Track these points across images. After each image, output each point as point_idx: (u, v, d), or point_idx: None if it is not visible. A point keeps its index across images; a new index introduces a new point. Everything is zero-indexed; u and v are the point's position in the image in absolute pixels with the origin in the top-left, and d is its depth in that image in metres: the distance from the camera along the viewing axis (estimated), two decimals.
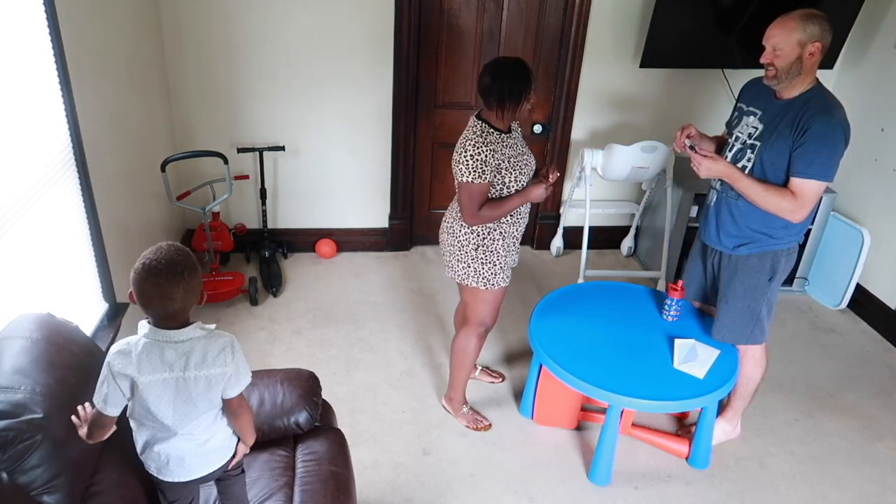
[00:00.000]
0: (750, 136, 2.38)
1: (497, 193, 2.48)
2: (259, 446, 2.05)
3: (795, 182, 2.24)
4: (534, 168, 2.57)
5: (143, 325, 1.55)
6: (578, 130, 4.04)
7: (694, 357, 2.54)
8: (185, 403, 1.58)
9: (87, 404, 1.61)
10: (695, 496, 2.62)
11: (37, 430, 1.45)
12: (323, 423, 2.21)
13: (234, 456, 1.78)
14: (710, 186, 2.55)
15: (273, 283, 3.72)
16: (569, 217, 4.18)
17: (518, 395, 3.05)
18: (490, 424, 2.89)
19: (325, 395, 2.25)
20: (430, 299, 3.74)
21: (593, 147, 3.72)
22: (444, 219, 2.66)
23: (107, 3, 2.74)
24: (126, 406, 1.58)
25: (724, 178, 2.37)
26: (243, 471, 1.88)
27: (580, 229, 3.85)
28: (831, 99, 2.26)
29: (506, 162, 2.43)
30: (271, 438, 2.07)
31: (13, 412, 1.44)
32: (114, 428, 1.62)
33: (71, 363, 1.67)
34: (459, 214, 2.51)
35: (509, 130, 2.50)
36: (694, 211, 3.82)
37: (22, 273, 2.01)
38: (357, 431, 2.79)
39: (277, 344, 3.32)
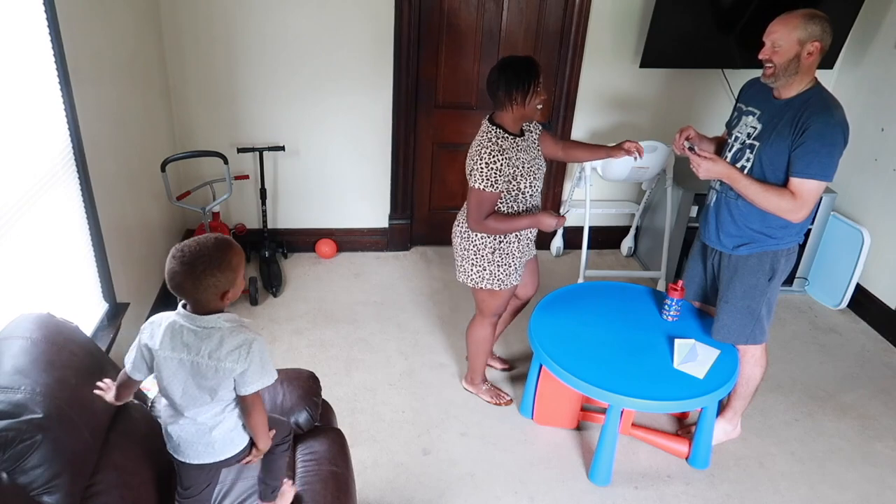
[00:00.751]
0: (749, 135, 2.38)
1: (512, 199, 2.49)
2: None
3: (795, 182, 2.24)
4: (544, 171, 2.60)
5: (180, 305, 1.62)
6: (578, 130, 4.03)
7: (694, 357, 2.55)
8: (194, 387, 1.62)
9: (106, 379, 1.72)
10: (695, 496, 2.62)
11: (37, 430, 1.45)
12: (323, 423, 2.21)
13: (248, 453, 1.77)
14: (710, 187, 2.55)
15: (273, 283, 3.72)
16: (569, 217, 4.18)
17: (518, 395, 3.05)
18: (511, 399, 2.98)
19: (325, 395, 2.25)
20: (429, 299, 3.74)
21: None
22: (456, 222, 2.67)
23: (107, 4, 2.74)
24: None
25: (724, 179, 2.37)
26: (289, 447, 1.90)
27: (580, 229, 3.85)
28: (830, 99, 2.26)
29: (521, 168, 2.45)
30: None
31: (13, 412, 1.44)
32: (136, 389, 1.75)
33: (71, 363, 1.67)
34: None
35: (522, 134, 2.50)
36: (694, 211, 3.82)
37: (22, 273, 2.01)
38: (357, 431, 2.79)
39: (277, 344, 3.32)
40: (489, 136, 2.43)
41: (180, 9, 3.45)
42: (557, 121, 3.97)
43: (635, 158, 2.65)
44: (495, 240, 2.55)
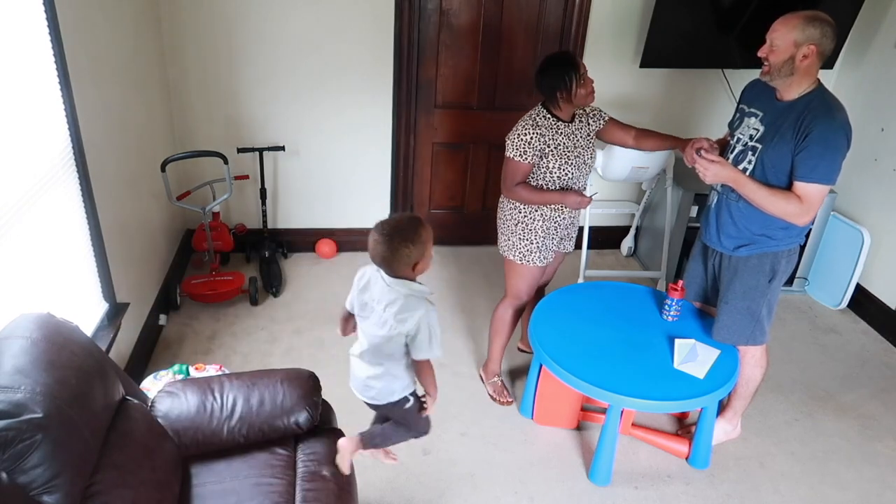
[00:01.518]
0: (751, 137, 2.37)
1: (540, 176, 2.63)
2: (259, 446, 2.06)
3: (800, 186, 2.23)
4: (592, 164, 2.73)
5: None
6: None
7: (694, 357, 2.54)
8: (368, 334, 1.95)
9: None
10: (695, 496, 2.62)
11: (37, 430, 1.45)
12: (323, 423, 2.21)
13: (405, 401, 2.04)
14: (711, 188, 2.55)
15: (273, 283, 3.72)
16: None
17: (518, 395, 3.05)
18: (512, 401, 3.01)
19: (325, 395, 2.25)
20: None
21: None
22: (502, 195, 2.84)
23: (107, 4, 2.74)
24: None
25: (731, 184, 2.35)
26: (422, 407, 2.09)
27: (580, 229, 3.85)
28: (833, 101, 2.25)
29: (553, 148, 2.57)
30: (271, 438, 2.07)
31: (13, 412, 1.44)
32: (353, 323, 2.05)
33: (71, 363, 1.66)
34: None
35: (572, 120, 2.63)
36: (694, 211, 3.82)
37: (22, 273, 2.01)
38: (357, 431, 2.78)
39: (277, 344, 3.32)
40: (532, 113, 2.61)
41: (180, 9, 3.45)
42: None
43: (700, 154, 2.41)
44: (520, 213, 2.71)
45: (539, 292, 3.05)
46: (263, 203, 3.84)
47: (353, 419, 2.87)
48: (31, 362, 1.56)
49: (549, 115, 2.58)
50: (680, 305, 2.75)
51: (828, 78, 3.86)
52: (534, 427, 2.90)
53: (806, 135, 2.18)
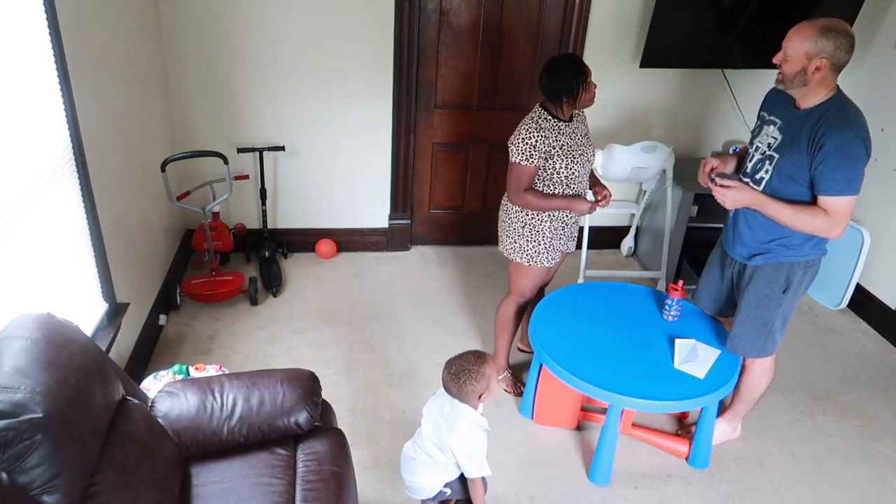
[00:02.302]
0: (769, 146, 2.31)
1: (548, 177, 2.63)
2: (259, 446, 2.06)
3: (825, 200, 2.17)
4: (593, 162, 2.74)
5: None
6: None
7: (694, 357, 2.54)
8: (424, 435, 2.18)
9: None
10: (695, 496, 2.62)
11: (37, 430, 1.45)
12: (323, 423, 2.21)
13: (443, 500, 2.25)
14: None
15: (273, 283, 3.72)
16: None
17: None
18: (522, 392, 3.00)
19: (325, 395, 2.25)
20: (430, 299, 3.74)
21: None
22: (504, 197, 2.82)
23: (107, 4, 2.74)
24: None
25: (753, 206, 2.30)
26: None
27: (580, 229, 3.85)
28: (851, 108, 2.18)
29: (558, 149, 2.57)
30: (271, 438, 2.07)
31: (13, 412, 1.44)
32: None
33: (71, 363, 1.66)
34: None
35: (570, 119, 2.64)
36: (694, 211, 3.82)
37: (22, 273, 2.01)
38: (357, 431, 2.79)
39: (277, 344, 3.32)
40: (532, 115, 2.61)
41: (180, 9, 3.44)
42: None
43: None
44: (527, 215, 2.70)
45: (539, 292, 3.05)
46: (263, 203, 3.84)
47: (353, 419, 2.88)
48: (31, 362, 1.56)
49: (549, 117, 2.59)
50: (680, 305, 2.75)
51: None
52: (534, 427, 2.90)
53: (821, 147, 2.13)
